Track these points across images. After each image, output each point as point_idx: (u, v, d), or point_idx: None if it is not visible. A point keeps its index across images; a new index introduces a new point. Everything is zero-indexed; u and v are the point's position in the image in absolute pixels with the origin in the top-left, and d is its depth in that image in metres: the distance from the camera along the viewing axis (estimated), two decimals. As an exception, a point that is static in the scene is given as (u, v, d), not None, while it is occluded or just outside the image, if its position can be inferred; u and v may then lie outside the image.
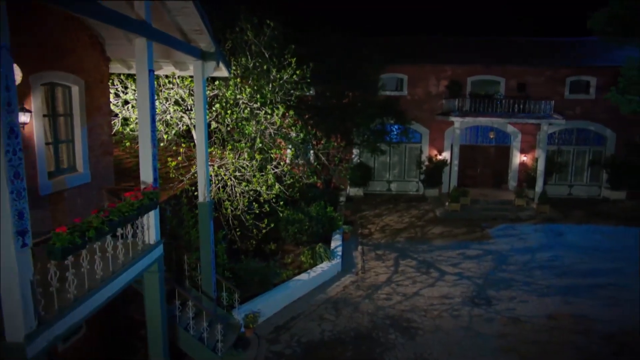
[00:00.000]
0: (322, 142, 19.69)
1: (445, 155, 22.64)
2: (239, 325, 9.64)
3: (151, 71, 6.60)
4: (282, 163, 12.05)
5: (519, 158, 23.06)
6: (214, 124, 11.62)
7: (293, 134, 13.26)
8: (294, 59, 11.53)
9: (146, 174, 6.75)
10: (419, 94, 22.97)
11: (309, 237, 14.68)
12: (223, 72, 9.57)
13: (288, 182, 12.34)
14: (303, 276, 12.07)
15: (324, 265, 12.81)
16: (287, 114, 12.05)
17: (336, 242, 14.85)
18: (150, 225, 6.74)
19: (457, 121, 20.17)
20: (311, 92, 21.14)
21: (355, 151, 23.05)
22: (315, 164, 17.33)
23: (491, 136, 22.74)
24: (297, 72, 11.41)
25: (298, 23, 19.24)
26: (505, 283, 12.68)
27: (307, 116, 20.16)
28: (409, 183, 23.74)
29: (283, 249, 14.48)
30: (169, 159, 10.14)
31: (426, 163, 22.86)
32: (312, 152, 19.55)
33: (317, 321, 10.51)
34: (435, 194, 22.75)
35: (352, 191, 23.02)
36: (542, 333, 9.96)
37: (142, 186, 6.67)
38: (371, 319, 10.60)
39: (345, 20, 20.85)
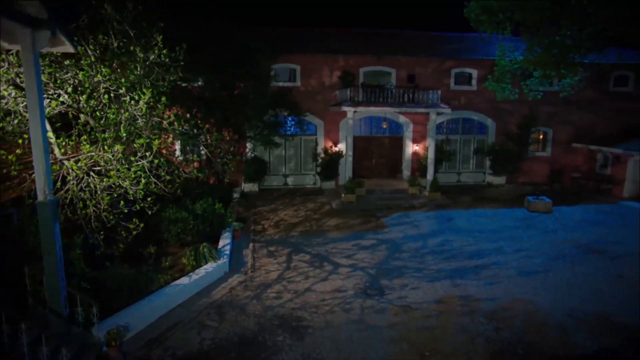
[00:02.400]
0: (210, 136, 18.43)
1: (341, 146, 22.50)
2: (100, 343, 8.21)
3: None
4: (159, 156, 10.73)
5: (411, 148, 23.66)
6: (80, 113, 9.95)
7: (174, 125, 11.91)
8: (161, 36, 10.20)
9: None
10: (313, 85, 22.56)
11: (195, 237, 13.44)
12: (67, 47, 8.03)
13: (167, 177, 11.03)
14: (183, 280, 10.84)
15: (208, 267, 11.68)
16: (160, 102, 10.70)
17: (225, 241, 13.76)
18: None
19: (350, 111, 20.03)
20: (199, 82, 19.78)
21: (249, 145, 22.04)
22: (200, 158, 16.03)
23: (384, 126, 23.04)
24: (164, 51, 10.09)
25: (183, 8, 17.77)
26: (398, 271, 12.54)
27: (195, 109, 18.73)
28: (306, 176, 23.27)
29: (166, 251, 13.10)
30: (3, 152, 8.36)
31: (322, 155, 22.55)
32: (202, 146, 18.19)
33: (197, 329, 9.39)
34: (332, 186, 22.54)
35: (247, 187, 21.98)
36: (431, 318, 9.82)
37: None
38: (258, 321, 9.72)
39: (235, 9, 19.67)
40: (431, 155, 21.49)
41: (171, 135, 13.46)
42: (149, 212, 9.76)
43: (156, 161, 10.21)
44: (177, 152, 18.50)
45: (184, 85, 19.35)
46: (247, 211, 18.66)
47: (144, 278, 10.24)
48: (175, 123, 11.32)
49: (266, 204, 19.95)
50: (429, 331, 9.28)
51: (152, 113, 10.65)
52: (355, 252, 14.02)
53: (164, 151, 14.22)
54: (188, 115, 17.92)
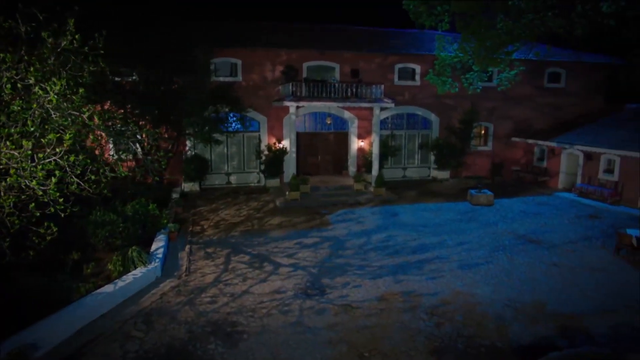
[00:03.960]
0: (145, 133, 17.39)
1: (285, 143, 21.95)
2: (2, 365, 7.27)
3: None
4: (83, 154, 9.75)
5: (357, 144, 23.49)
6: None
7: (95, 120, 10.91)
8: (72, 20, 9.23)
9: None
10: (255, 80, 21.88)
11: (125, 240, 12.50)
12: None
13: (92, 177, 10.06)
14: (108, 288, 9.95)
15: (137, 272, 10.82)
16: (77, 93, 9.72)
17: (159, 244, 12.90)
18: None
19: (293, 106, 19.55)
20: (134, 77, 18.64)
21: (188, 143, 21.07)
22: (136, 157, 15.07)
23: (328, 122, 22.73)
24: (77, 36, 9.14)
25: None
26: (341, 269, 12.19)
27: (129, 106, 17.59)
28: (250, 174, 22.57)
29: (93, 257, 12.09)
30: None
31: (266, 152, 21.92)
32: (138, 144, 17.11)
33: (120, 341, 8.58)
34: (277, 184, 21.97)
35: (187, 186, 21.01)
36: (372, 317, 9.50)
37: None
38: (190, 329, 9.04)
39: (171, 1, 18.62)
40: (376, 150, 21.40)
41: (102, 132, 12.50)
42: (62, 215, 8.80)
43: (72, 158, 9.24)
44: (112, 151, 17.39)
45: (117, 79, 18.21)
46: (186, 211, 17.76)
47: (60, 288, 9.28)
48: (96, 117, 10.35)
49: (207, 203, 19.09)
50: (370, 330, 8.96)
51: (68, 106, 9.67)
52: (297, 250, 13.55)
53: (97, 151, 13.19)
54: (122, 112, 16.82)
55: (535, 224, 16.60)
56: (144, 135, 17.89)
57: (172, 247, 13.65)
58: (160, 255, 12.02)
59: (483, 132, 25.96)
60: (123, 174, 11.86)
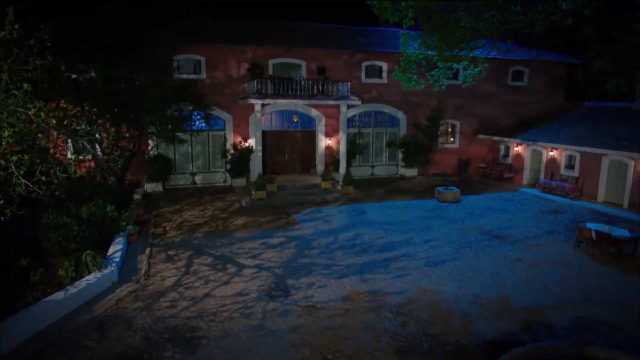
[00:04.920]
0: (105, 133, 16.68)
1: (251, 142, 21.54)
2: None
3: None
4: (33, 154, 9.18)
5: (324, 142, 23.29)
6: None
7: (42, 117, 10.28)
8: (11, 8, 8.63)
9: None
10: (220, 78, 21.37)
11: (80, 244, 11.85)
12: None
13: (42, 177, 9.47)
14: (58, 295, 9.39)
15: (91, 278, 10.28)
16: (19, 88, 9.12)
17: (117, 247, 12.34)
18: None
19: (258, 104, 19.18)
20: (92, 74, 17.88)
21: (151, 142, 20.41)
22: (85, 156, 14.42)
23: (295, 120, 22.45)
24: (16, 26, 8.54)
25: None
26: (306, 269, 11.94)
27: (86, 104, 16.83)
28: (215, 174, 22.05)
29: (46, 262, 11.44)
30: None
31: (231, 151, 21.44)
32: (97, 144, 16.40)
33: (69, 352, 8.07)
34: (243, 183, 21.54)
35: (150, 187, 20.33)
36: (337, 317, 9.29)
37: None
38: (146, 336, 8.60)
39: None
40: (343, 148, 21.25)
41: (54, 131, 11.84)
42: (1, 218, 8.22)
43: (15, 157, 8.67)
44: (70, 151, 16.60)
45: (73, 76, 17.41)
46: (148, 213, 17.14)
47: (3, 296, 8.68)
48: (43, 114, 9.75)
49: (170, 204, 18.50)
50: (334, 331, 8.74)
51: (10, 102, 9.07)
52: (262, 251, 13.22)
53: (52, 150, 12.49)
54: (78, 110, 16.07)
55: (500, 220, 16.79)
56: (103, 135, 17.20)
57: (131, 250, 13.10)
58: (117, 259, 11.48)
59: (450, 129, 26.20)
60: (76, 175, 11.30)
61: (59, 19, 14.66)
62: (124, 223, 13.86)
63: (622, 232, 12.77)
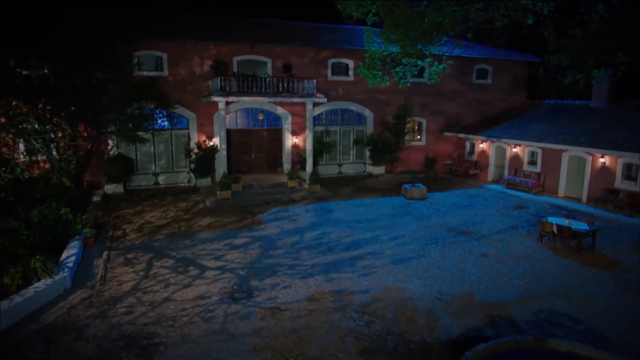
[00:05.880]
0: (60, 132, 15.92)
1: (216, 141, 21.04)
2: None
3: None
4: None
5: (291, 140, 23.01)
6: None
7: None
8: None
9: None
10: (183, 75, 20.80)
11: (30, 249, 11.25)
12: None
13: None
14: (2, 305, 8.79)
15: (40, 285, 9.71)
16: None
17: (71, 251, 11.75)
18: None
19: (221, 101, 18.74)
20: (45, 71, 17.02)
21: (111, 142, 19.65)
22: (38, 157, 13.69)
23: (260, 118, 22.08)
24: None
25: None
26: (271, 269, 11.66)
27: (39, 102, 16.03)
28: (179, 174, 21.45)
29: (-7, 269, 10.76)
30: None
31: (195, 151, 20.87)
32: (52, 144, 15.61)
33: (14, 365, 7.56)
34: (208, 183, 21.03)
35: (110, 188, 19.58)
36: (301, 319, 9.06)
37: None
38: (99, 345, 8.15)
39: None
40: (309, 146, 21.04)
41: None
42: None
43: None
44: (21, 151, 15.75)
45: (24, 73, 16.53)
46: (107, 215, 16.47)
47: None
48: None
49: (132, 206, 17.85)
50: (297, 333, 8.51)
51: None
52: (226, 252, 12.86)
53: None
54: (29, 108, 15.25)
55: (466, 216, 16.93)
56: (58, 134, 16.41)
57: (87, 255, 12.51)
58: (70, 264, 10.91)
59: (416, 127, 26.36)
60: (25, 176, 10.69)
61: (6, 11, 13.92)
62: (80, 226, 13.25)
63: (581, 226, 13.05)
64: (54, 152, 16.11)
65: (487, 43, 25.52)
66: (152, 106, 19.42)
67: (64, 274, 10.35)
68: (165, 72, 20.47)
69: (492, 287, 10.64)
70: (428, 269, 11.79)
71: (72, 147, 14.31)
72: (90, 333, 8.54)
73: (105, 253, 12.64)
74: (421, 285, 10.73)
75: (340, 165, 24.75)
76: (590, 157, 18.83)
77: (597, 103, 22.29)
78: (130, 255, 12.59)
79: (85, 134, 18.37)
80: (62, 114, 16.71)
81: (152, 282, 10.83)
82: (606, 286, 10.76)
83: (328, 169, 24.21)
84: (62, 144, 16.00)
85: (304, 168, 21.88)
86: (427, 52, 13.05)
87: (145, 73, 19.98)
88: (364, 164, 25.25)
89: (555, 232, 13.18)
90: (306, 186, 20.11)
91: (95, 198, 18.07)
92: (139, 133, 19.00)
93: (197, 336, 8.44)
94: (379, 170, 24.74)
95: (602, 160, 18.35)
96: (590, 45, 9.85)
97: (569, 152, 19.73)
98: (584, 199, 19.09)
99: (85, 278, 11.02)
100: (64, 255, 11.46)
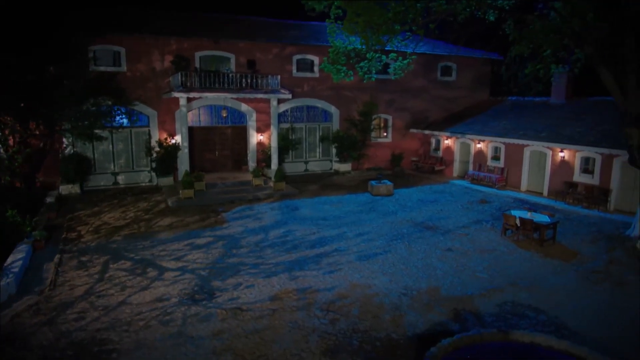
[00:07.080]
0: (7, 130, 15.06)
1: (178, 138, 20.41)
2: None
3: None
4: None
5: (256, 137, 22.61)
6: None
7: None
8: None
9: None
10: (142, 71, 20.06)
11: (-29, 254, 10.50)
12: None
13: None
14: (-63, 315, 8.12)
15: (-19, 292, 9.03)
16: None
17: (17, 255, 11.05)
18: None
19: (183, 97, 18.19)
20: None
21: (66, 140, 18.74)
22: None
23: (223, 115, 21.57)
24: None
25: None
26: (234, 269, 11.29)
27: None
28: (140, 173, 20.69)
29: None
30: None
31: (157, 149, 20.19)
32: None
33: (-51, 379, 6.95)
34: (170, 182, 20.37)
35: (65, 189, 18.66)
36: (263, 319, 8.75)
37: None
38: (44, 355, 7.60)
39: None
40: (274, 144, 20.71)
41: None
42: None
43: None
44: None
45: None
46: (61, 217, 15.66)
47: None
48: None
49: (88, 207, 17.05)
50: (259, 334, 8.19)
51: None
52: (187, 252, 12.40)
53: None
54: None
55: (431, 212, 16.99)
56: (6, 132, 15.50)
57: (37, 259, 11.79)
58: (16, 269, 10.23)
59: (382, 124, 26.40)
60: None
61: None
62: (29, 229, 12.49)
63: (543, 218, 13.26)
64: (1, 151, 15.23)
65: (451, 40, 25.81)
66: (109, 102, 18.65)
67: (8, 280, 9.68)
68: (124, 68, 19.69)
69: (457, 281, 10.62)
70: (394, 264, 11.69)
71: (17, 144, 13.47)
72: (35, 342, 7.97)
73: (57, 256, 11.95)
74: (387, 281, 10.60)
75: (306, 162, 24.49)
76: (550, 152, 19.26)
77: (556, 100, 22.85)
78: (84, 258, 11.95)
79: (37, 132, 17.45)
80: (11, 110, 15.79)
81: (108, 286, 10.28)
82: (566, 277, 10.92)
83: (294, 167, 23.92)
84: (10, 141, 15.11)
85: (269, 166, 21.52)
86: (389, 46, 12.94)
87: (102, 68, 19.16)
88: (331, 161, 25.09)
89: (519, 225, 13.33)
90: (271, 184, 19.76)
91: (49, 199, 17.18)
92: (96, 131, 18.22)
93: (153, 340, 8.01)
94: (346, 167, 24.62)
95: (561, 154, 18.79)
96: (548, 37, 9.98)
97: (530, 147, 20.13)
98: (545, 192, 19.51)
99: (33, 283, 10.34)
100: (9, 260, 10.75)
